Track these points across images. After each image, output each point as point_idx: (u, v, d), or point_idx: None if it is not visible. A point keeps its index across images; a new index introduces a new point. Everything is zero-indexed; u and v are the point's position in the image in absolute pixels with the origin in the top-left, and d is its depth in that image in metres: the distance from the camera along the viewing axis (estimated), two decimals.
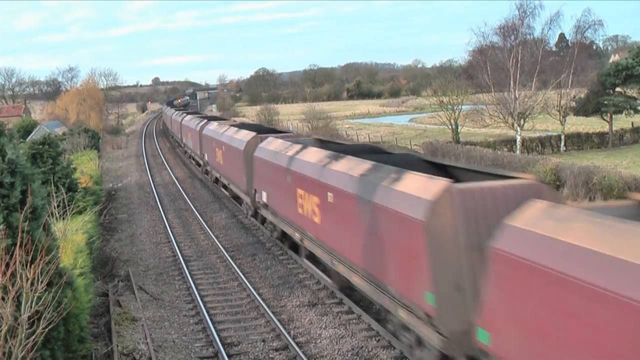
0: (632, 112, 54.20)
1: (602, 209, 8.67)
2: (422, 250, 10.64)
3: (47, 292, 8.77)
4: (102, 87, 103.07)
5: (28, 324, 8.27)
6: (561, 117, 53.59)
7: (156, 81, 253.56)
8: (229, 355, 13.04)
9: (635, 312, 6.42)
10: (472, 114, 55.56)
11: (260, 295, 16.74)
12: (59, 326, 9.49)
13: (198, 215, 27.87)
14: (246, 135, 25.53)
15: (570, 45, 57.30)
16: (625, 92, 54.56)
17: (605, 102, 52.81)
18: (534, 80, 50.62)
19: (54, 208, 16.67)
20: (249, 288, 17.26)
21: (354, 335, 13.85)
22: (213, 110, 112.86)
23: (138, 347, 13.67)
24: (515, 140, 49.88)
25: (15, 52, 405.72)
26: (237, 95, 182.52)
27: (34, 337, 8.26)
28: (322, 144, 21.11)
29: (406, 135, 67.52)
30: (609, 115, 53.77)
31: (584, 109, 54.78)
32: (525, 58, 50.06)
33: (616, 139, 54.19)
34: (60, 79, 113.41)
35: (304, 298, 16.49)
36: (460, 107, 57.32)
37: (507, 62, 49.65)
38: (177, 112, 67.51)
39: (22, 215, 8.86)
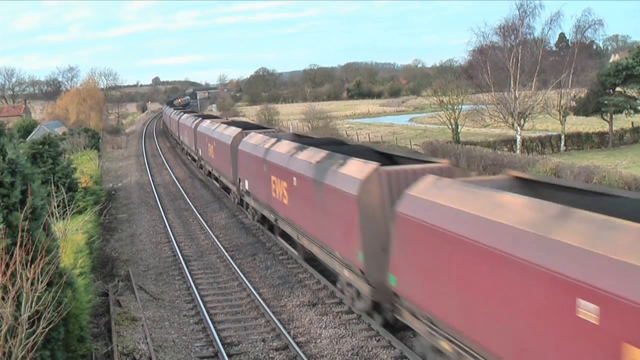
0: (632, 111, 54.13)
1: (481, 182, 11.01)
2: (356, 218, 13.23)
3: (47, 292, 8.76)
4: (102, 87, 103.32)
5: (28, 323, 8.26)
6: (561, 117, 53.53)
7: (156, 81, 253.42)
8: (229, 355, 13.05)
9: (472, 247, 9.16)
10: (472, 113, 55.45)
11: (260, 295, 16.74)
12: (59, 326, 9.48)
13: (198, 215, 27.88)
14: (233, 131, 28.46)
15: (570, 45, 57.25)
16: (625, 92, 54.50)
17: (605, 102, 52.74)
18: (534, 80, 50.56)
19: (54, 208, 16.67)
20: (249, 288, 17.26)
21: (354, 335, 13.85)
22: (213, 110, 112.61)
23: (138, 347, 13.67)
24: (516, 140, 49.85)
25: (15, 52, 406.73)
26: (237, 95, 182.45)
27: (34, 337, 8.25)
28: (298, 137, 23.80)
29: (406, 135, 67.44)
30: (609, 115, 53.72)
31: (584, 108, 54.72)
32: (525, 58, 49.98)
33: (616, 139, 54.14)
34: (60, 79, 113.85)
35: (304, 298, 16.49)
36: (460, 106, 57.25)
37: (507, 62, 49.58)
38: (176, 111, 69.53)
39: (22, 215, 8.86)
